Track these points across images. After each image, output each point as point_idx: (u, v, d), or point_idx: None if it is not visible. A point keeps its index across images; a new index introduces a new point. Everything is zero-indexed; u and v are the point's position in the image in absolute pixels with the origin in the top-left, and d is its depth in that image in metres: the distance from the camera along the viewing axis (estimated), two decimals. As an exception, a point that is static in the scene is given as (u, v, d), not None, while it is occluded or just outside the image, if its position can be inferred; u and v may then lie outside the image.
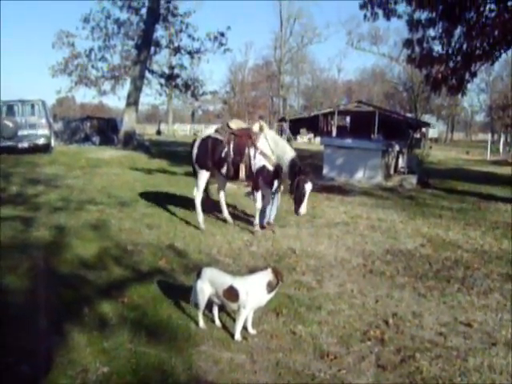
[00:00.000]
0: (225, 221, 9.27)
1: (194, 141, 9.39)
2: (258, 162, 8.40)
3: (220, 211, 9.45)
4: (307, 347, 4.48)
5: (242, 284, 4.59)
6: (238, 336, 4.55)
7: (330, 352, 4.37)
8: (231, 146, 8.62)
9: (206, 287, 4.67)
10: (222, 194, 9.35)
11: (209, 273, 4.78)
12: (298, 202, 8.12)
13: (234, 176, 8.76)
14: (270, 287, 4.60)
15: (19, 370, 3.91)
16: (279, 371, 4.04)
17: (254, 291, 4.57)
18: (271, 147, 8.39)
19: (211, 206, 9.71)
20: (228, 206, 9.65)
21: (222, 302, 4.72)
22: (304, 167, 8.29)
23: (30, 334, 4.52)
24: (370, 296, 5.80)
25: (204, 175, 9.04)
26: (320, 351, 4.40)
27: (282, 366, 4.11)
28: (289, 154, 8.28)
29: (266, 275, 4.62)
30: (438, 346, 4.60)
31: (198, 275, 4.77)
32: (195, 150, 9.12)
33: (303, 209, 8.15)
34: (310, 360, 4.25)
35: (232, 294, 4.56)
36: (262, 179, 8.47)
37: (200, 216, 8.89)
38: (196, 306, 4.79)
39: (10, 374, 3.87)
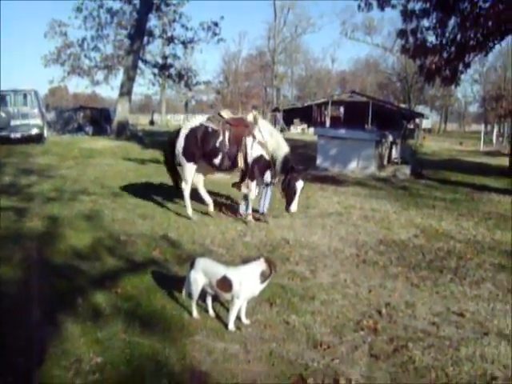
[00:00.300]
0: (220, 211, 9.29)
1: (178, 131, 8.97)
2: (255, 151, 8.38)
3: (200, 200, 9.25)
4: (300, 337, 4.49)
5: (235, 274, 4.59)
6: (231, 326, 4.56)
7: (323, 342, 4.39)
8: (226, 135, 8.45)
9: (199, 277, 4.67)
10: (201, 185, 9.14)
11: (202, 263, 4.77)
12: (288, 199, 8.23)
13: (229, 166, 8.62)
14: (264, 277, 4.60)
15: (14, 361, 3.91)
16: (273, 361, 4.06)
17: (248, 281, 4.57)
18: (266, 137, 8.38)
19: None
20: (221, 196, 9.65)
21: (215, 292, 4.72)
22: (296, 165, 8.48)
23: (24, 325, 4.52)
24: (363, 286, 5.82)
25: (192, 168, 8.78)
26: (313, 341, 4.41)
27: (275, 356, 4.12)
28: (283, 149, 8.41)
29: (259, 265, 4.61)
30: (431, 335, 4.62)
31: (192, 265, 4.77)
32: (181, 141, 8.71)
33: (294, 206, 8.25)
34: (303, 350, 4.26)
35: (225, 284, 4.55)
36: (257, 169, 8.47)
37: (189, 208, 8.80)
38: (189, 296, 4.80)
39: (4, 366, 3.86)
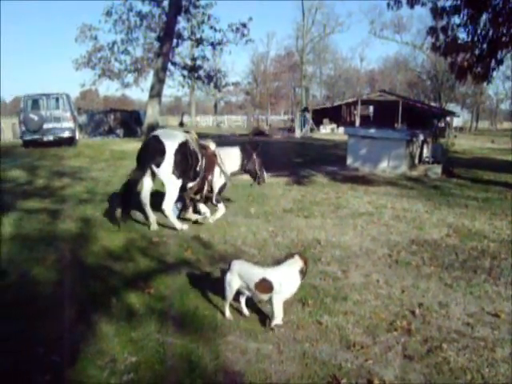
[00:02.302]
0: (246, 213, 9.33)
1: (158, 140, 7.85)
2: (221, 180, 8.59)
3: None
4: (333, 337, 4.48)
5: (274, 275, 4.59)
6: (279, 322, 4.60)
7: (356, 342, 4.37)
8: (203, 161, 8.26)
9: (234, 280, 4.67)
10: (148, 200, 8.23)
11: (238, 266, 4.76)
12: (254, 174, 8.96)
13: (195, 192, 8.47)
14: (302, 274, 4.66)
15: (49, 360, 3.97)
16: (306, 361, 4.05)
17: (288, 280, 4.60)
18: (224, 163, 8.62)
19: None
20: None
21: (253, 294, 4.72)
22: (250, 144, 9.15)
23: (59, 325, 4.58)
24: (396, 286, 5.77)
25: (179, 185, 7.96)
26: (346, 341, 4.40)
27: (308, 357, 4.12)
28: (234, 152, 8.81)
29: (297, 263, 4.64)
30: (465, 336, 4.57)
31: (228, 268, 4.77)
32: (172, 154, 7.74)
33: (266, 176, 9.13)
34: (336, 350, 4.25)
35: (265, 286, 4.56)
36: (218, 193, 8.66)
37: (178, 224, 8.02)
38: (223, 297, 4.82)
39: (39, 364, 3.93)
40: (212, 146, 8.58)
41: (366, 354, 4.18)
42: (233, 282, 4.68)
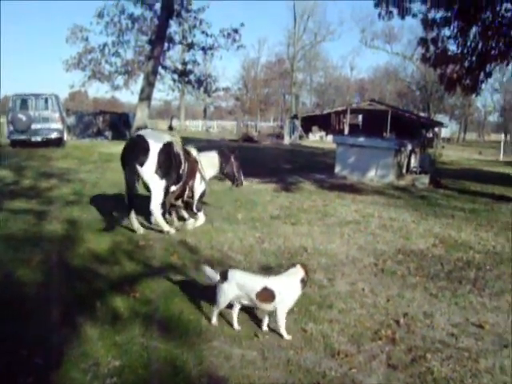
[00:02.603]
0: (233, 219, 9.32)
1: (142, 139, 7.81)
2: (202, 187, 8.58)
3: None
4: (318, 345, 4.48)
5: (276, 284, 4.58)
6: (286, 335, 4.58)
7: (340, 350, 4.37)
8: (186, 165, 8.23)
9: (231, 290, 4.60)
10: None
11: (237, 275, 4.69)
12: (232, 177, 8.94)
13: (175, 198, 8.41)
14: (303, 284, 4.67)
15: (32, 363, 3.94)
16: (290, 368, 4.05)
17: (290, 290, 4.61)
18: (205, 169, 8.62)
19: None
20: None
21: (254, 304, 4.68)
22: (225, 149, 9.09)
23: (43, 327, 4.55)
24: (381, 295, 5.79)
25: (164, 186, 7.83)
26: (331, 349, 4.40)
27: (292, 364, 4.12)
28: (213, 157, 8.79)
29: (299, 272, 4.65)
30: (450, 346, 4.58)
31: (224, 277, 4.65)
32: (156, 154, 7.65)
33: (242, 179, 9.08)
34: (320, 358, 4.25)
35: (267, 295, 4.53)
36: (199, 200, 8.63)
37: (166, 226, 7.99)
38: (215, 304, 4.76)
39: (23, 367, 3.90)
40: (193, 151, 8.58)
41: (350, 363, 4.18)
42: (229, 292, 4.61)
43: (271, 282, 4.60)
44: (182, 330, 4.61)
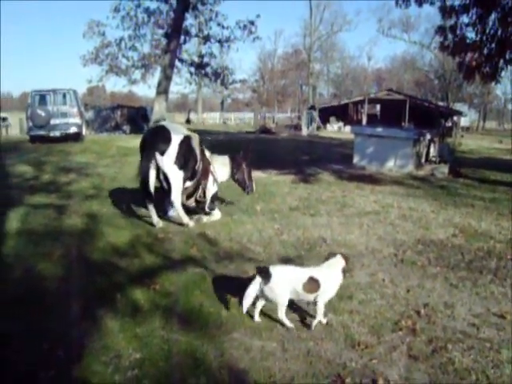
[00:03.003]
0: (252, 211, 9.33)
1: (164, 129, 7.93)
2: (214, 188, 8.60)
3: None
4: (338, 336, 4.47)
5: (320, 274, 4.63)
6: (324, 320, 4.68)
7: (361, 341, 4.36)
8: (201, 164, 8.21)
9: (285, 285, 4.56)
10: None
11: (281, 271, 4.67)
12: (243, 184, 8.85)
13: (187, 196, 8.35)
14: (344, 273, 4.75)
15: (54, 356, 3.98)
16: (310, 360, 4.05)
17: (333, 279, 4.67)
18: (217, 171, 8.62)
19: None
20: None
21: (296, 296, 4.69)
22: (237, 154, 8.82)
23: (64, 320, 4.59)
24: (401, 286, 5.76)
25: (181, 177, 7.83)
26: (351, 340, 4.39)
27: (312, 355, 4.12)
28: (224, 161, 8.76)
29: (340, 262, 4.73)
30: (471, 337, 4.55)
31: (266, 276, 4.56)
32: (176, 144, 7.68)
33: (253, 186, 8.99)
34: (341, 349, 4.25)
35: (313, 285, 4.56)
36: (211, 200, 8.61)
37: (186, 218, 8.05)
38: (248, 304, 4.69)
39: (45, 359, 3.94)
40: (207, 153, 8.59)
41: (370, 354, 4.17)
42: (283, 289, 4.56)
43: (315, 272, 4.64)
44: (202, 322, 4.63)
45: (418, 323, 4.76)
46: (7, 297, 5.15)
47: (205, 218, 8.43)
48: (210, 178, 8.44)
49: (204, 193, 8.44)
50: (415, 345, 4.35)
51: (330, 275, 4.66)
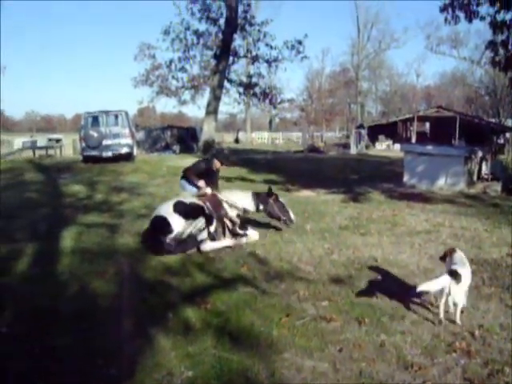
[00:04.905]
0: (301, 230, 9.32)
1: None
2: (235, 211, 8.63)
3: None
4: (390, 357, 4.41)
5: (461, 270, 5.12)
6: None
7: (414, 363, 4.29)
8: (208, 204, 8.35)
9: (467, 285, 5.23)
10: None
11: (466, 273, 5.22)
12: (284, 214, 8.97)
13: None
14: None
15: (107, 372, 4.05)
16: (362, 381, 4.01)
17: (467, 275, 5.25)
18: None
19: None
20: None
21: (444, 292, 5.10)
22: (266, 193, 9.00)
23: (117, 338, 4.68)
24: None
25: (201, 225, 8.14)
26: (404, 362, 4.32)
27: (365, 376, 4.07)
28: (244, 195, 8.99)
29: (463, 255, 5.62)
30: (529, 360, 4.43)
31: (458, 277, 5.03)
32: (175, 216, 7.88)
33: (293, 215, 9.06)
34: (393, 370, 4.18)
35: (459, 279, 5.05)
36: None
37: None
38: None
39: (98, 376, 4.02)
40: (208, 190, 8.80)
41: (424, 376, 4.09)
42: (466, 289, 5.22)
43: (458, 269, 5.13)
44: (253, 341, 4.63)
45: (472, 345, 4.65)
46: (63, 313, 5.29)
47: (243, 240, 8.44)
48: (225, 205, 8.49)
49: (231, 220, 8.48)
50: (470, 367, 4.24)
51: (466, 272, 5.21)
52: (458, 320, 5.06)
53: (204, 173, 9.26)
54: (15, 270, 6.82)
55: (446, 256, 5.65)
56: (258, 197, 8.90)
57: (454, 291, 4.95)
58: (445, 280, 4.97)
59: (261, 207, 8.85)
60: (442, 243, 8.55)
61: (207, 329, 4.87)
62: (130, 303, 5.56)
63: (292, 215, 9.03)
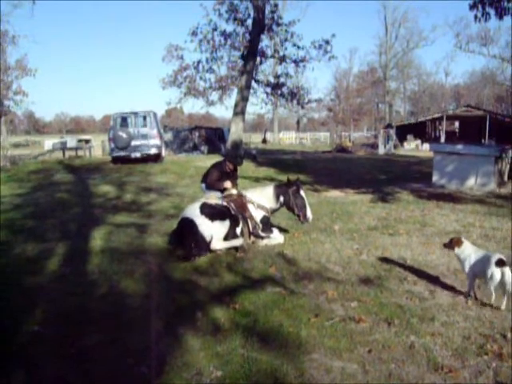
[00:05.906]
0: (330, 230, 9.27)
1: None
2: (261, 212, 8.55)
3: None
4: (420, 359, 4.37)
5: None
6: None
7: (444, 365, 4.24)
8: (232, 204, 8.39)
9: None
10: None
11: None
12: (300, 209, 8.54)
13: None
14: None
15: (138, 371, 4.09)
16: (392, 382, 3.98)
17: None
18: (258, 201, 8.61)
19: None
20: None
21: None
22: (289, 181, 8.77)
23: (147, 337, 4.71)
24: (486, 308, 5.57)
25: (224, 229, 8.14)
26: (434, 364, 4.28)
27: (394, 378, 4.04)
28: (266, 190, 8.82)
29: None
30: (563, 362, 4.35)
31: (502, 264, 5.46)
32: (204, 218, 7.83)
33: (310, 213, 8.61)
34: (423, 372, 4.14)
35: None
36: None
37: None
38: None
39: (129, 374, 4.05)
40: (234, 191, 8.80)
41: (454, 378, 4.05)
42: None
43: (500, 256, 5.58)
44: (282, 341, 4.63)
45: (504, 347, 4.58)
46: (93, 312, 5.35)
47: (264, 242, 8.40)
48: (250, 206, 8.46)
49: (255, 222, 8.42)
50: (502, 370, 4.18)
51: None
52: (503, 306, 5.42)
53: (220, 176, 9.22)
54: (47, 270, 6.93)
55: (453, 244, 6.09)
56: (278, 188, 8.71)
57: (507, 278, 5.35)
58: (503, 270, 5.39)
59: (281, 199, 8.61)
60: (472, 243, 8.43)
61: (236, 329, 4.88)
62: (158, 302, 5.59)
63: (309, 213, 8.61)
